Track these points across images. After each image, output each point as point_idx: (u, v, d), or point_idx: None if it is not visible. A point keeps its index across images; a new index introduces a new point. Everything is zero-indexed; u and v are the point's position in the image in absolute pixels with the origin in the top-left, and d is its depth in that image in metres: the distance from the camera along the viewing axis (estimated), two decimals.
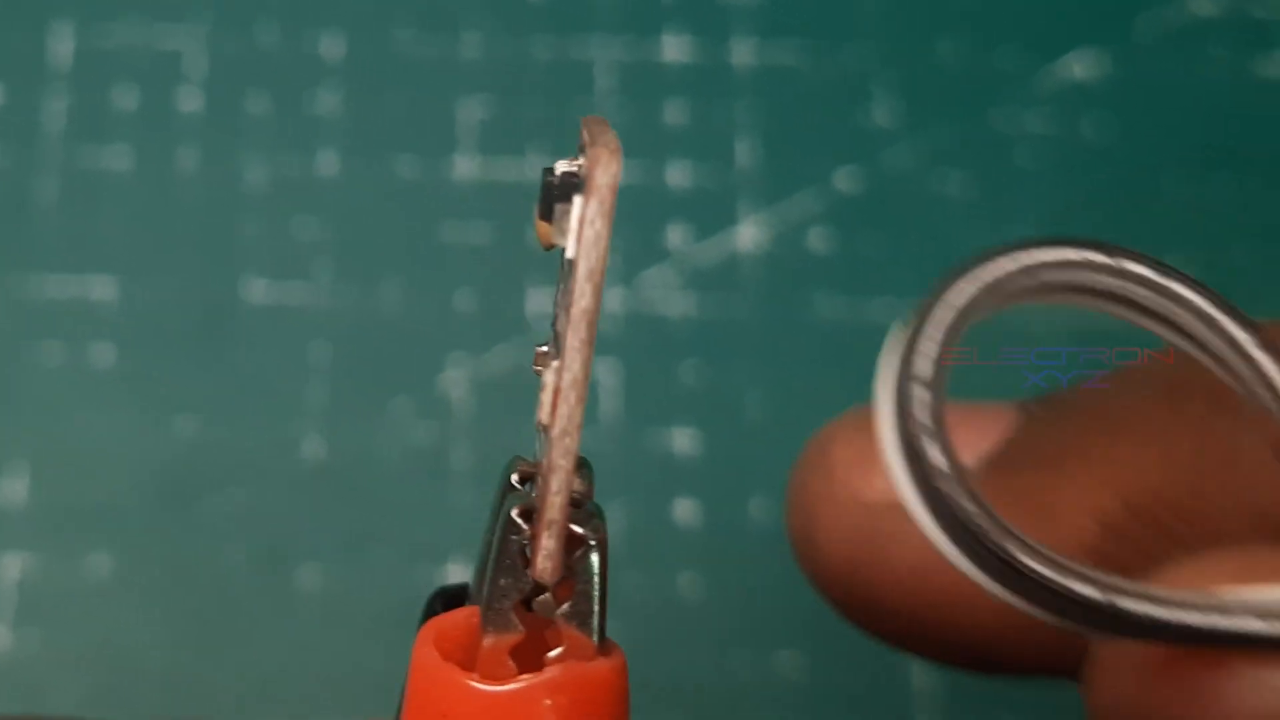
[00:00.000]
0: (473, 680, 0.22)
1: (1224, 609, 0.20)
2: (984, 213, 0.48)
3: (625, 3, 0.50)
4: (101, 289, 0.47)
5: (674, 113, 0.49)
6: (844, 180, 0.48)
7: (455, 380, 0.45)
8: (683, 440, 0.45)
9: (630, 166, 0.48)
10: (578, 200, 0.21)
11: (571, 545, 0.22)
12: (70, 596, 0.44)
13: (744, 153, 0.48)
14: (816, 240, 0.47)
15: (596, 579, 0.23)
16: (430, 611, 0.24)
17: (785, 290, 0.47)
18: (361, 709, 0.43)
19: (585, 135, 0.22)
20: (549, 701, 0.22)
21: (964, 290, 0.20)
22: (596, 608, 0.23)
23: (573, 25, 0.50)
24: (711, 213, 0.48)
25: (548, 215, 0.22)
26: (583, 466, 0.23)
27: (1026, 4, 0.51)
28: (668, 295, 0.47)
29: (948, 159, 0.48)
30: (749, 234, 0.47)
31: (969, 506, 0.20)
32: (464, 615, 0.23)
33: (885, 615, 0.27)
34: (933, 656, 0.29)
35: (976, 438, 0.24)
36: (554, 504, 0.22)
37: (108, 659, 0.43)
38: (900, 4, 0.51)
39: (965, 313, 0.20)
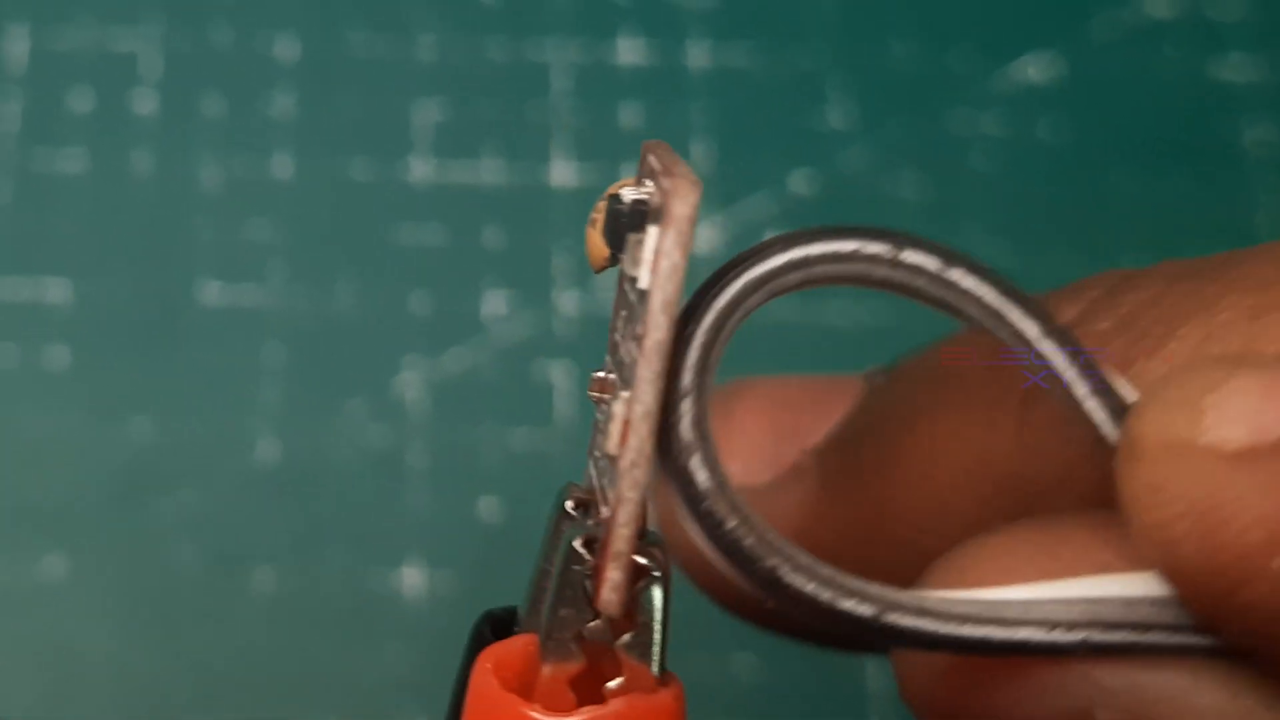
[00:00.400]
0: (535, 712, 0.22)
1: (1002, 620, 0.21)
2: (939, 214, 0.48)
3: (580, 5, 0.51)
4: (56, 291, 0.47)
5: (629, 115, 0.49)
6: (799, 182, 0.49)
7: (410, 382, 0.46)
8: None
9: (585, 169, 0.48)
10: (653, 230, 0.21)
11: (635, 576, 0.22)
12: (24, 597, 0.44)
13: (699, 155, 0.49)
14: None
15: (659, 612, 0.22)
16: (479, 635, 0.24)
17: None
18: (315, 711, 0.43)
19: (654, 162, 0.21)
20: None
21: (726, 292, 0.21)
22: (658, 639, 0.22)
23: (528, 27, 0.50)
24: None
25: (618, 244, 0.21)
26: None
27: (981, 6, 0.51)
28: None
29: (902, 161, 0.49)
30: (704, 236, 0.48)
31: (734, 525, 0.20)
32: (521, 643, 0.23)
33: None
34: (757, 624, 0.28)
35: (826, 412, 0.24)
36: (621, 536, 0.21)
37: (61, 660, 0.43)
38: (854, 6, 0.51)
39: (725, 313, 0.21)
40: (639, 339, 0.21)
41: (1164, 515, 0.20)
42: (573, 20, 0.50)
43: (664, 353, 0.20)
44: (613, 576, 0.21)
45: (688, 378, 0.21)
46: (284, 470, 0.45)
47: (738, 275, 0.21)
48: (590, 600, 0.22)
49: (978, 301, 0.21)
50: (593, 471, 0.23)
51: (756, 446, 0.20)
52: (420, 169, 0.48)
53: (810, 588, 0.20)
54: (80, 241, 0.48)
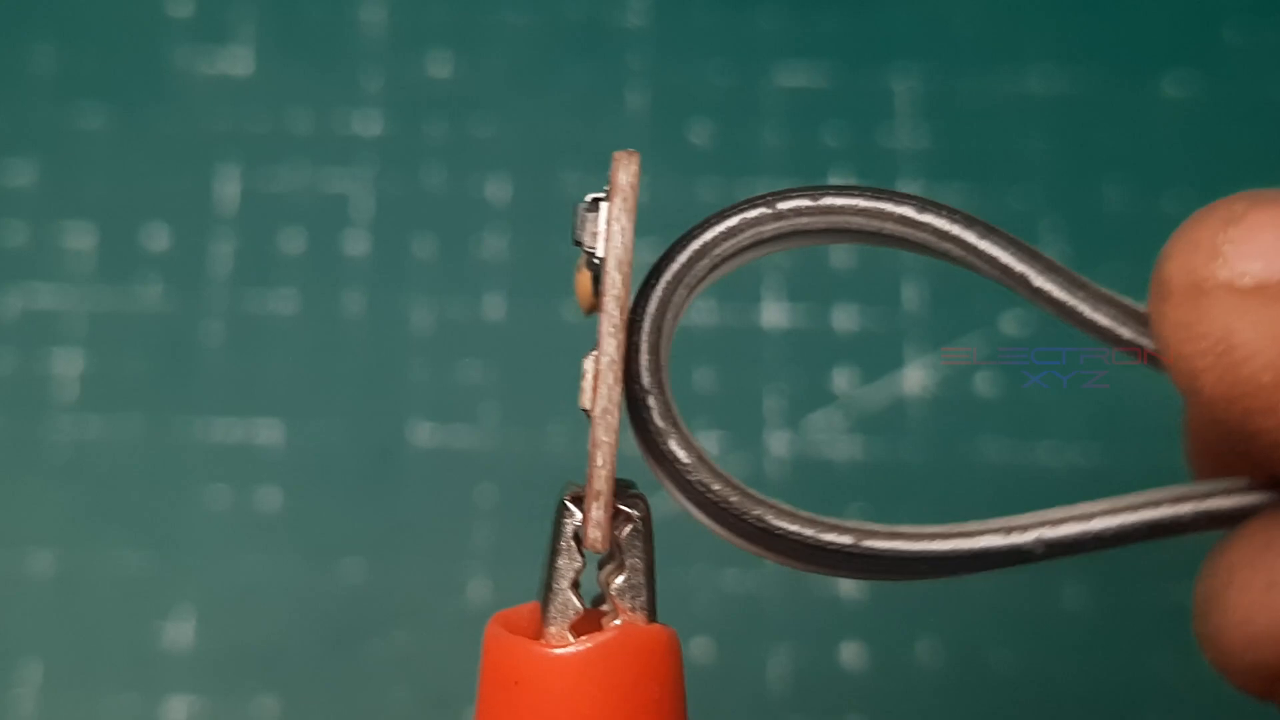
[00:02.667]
0: (539, 645, 0.26)
1: (965, 533, 0.25)
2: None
3: (791, 145, 0.53)
4: (268, 432, 0.50)
5: (840, 256, 0.51)
6: (1010, 324, 0.51)
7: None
8: (850, 583, 0.48)
9: (797, 310, 0.50)
10: (603, 204, 0.25)
11: (620, 522, 0.26)
12: None
13: (910, 296, 0.51)
14: (982, 383, 0.50)
15: (643, 553, 0.26)
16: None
17: (952, 433, 0.50)
18: None
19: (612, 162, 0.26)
20: (609, 660, 0.25)
21: (652, 300, 0.25)
22: (645, 580, 0.26)
23: (740, 168, 0.52)
24: (877, 356, 0.50)
25: (580, 235, 0.25)
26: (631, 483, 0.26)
27: (1193, 147, 0.53)
28: (834, 439, 0.49)
29: None
30: (915, 377, 0.50)
31: (719, 488, 0.25)
32: (527, 608, 0.27)
33: None
34: None
35: None
36: (600, 476, 0.25)
37: None
38: (1066, 147, 0.53)
39: (658, 317, 0.25)
40: (600, 299, 0.25)
41: (1189, 350, 0.23)
42: (784, 161, 0.53)
43: (622, 306, 0.24)
44: (595, 514, 0.25)
45: (645, 378, 0.25)
46: (495, 610, 0.47)
47: (653, 284, 0.25)
48: (581, 547, 0.26)
49: (903, 221, 0.26)
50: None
51: (1275, 240, 0.22)
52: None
53: (794, 528, 0.24)
54: (292, 383, 0.50)
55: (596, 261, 0.25)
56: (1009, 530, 0.25)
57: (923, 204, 0.26)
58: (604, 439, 0.25)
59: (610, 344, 0.25)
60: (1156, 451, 0.49)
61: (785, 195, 0.26)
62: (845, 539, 0.25)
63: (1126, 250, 0.51)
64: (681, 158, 0.53)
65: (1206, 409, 0.23)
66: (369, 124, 0.53)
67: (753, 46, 0.54)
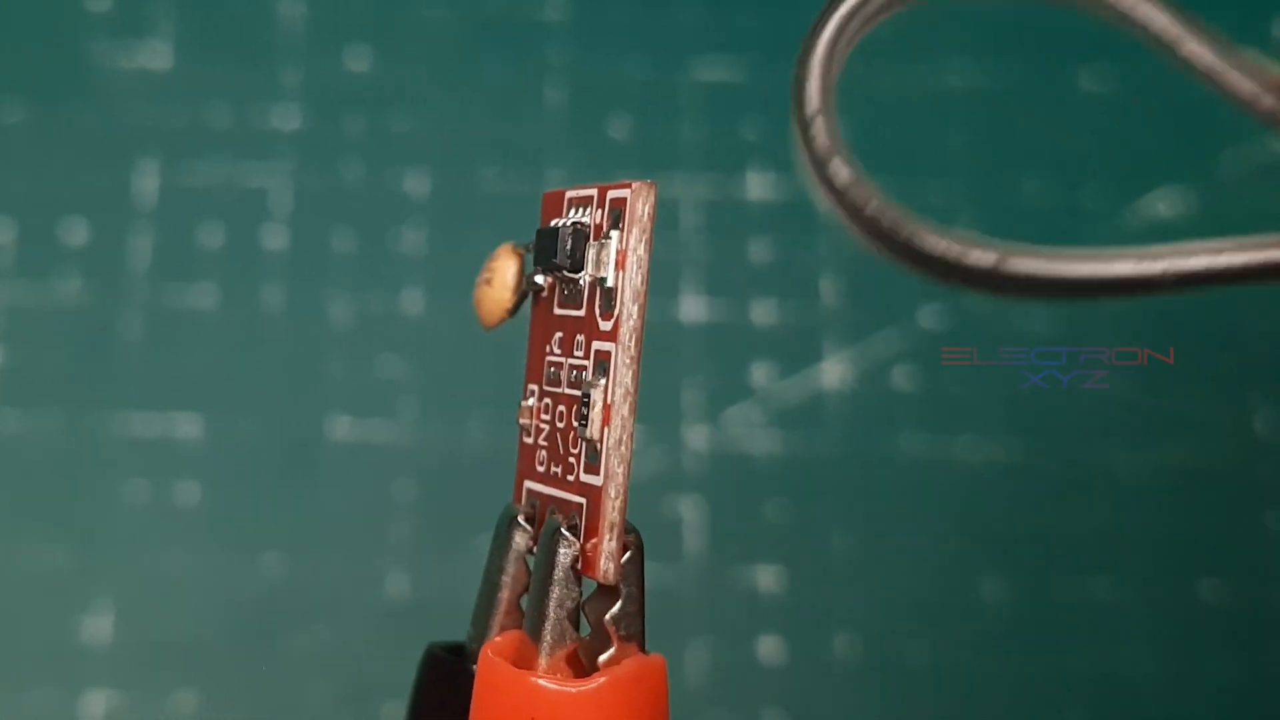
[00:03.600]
0: (549, 682, 0.25)
1: (1100, 257, 0.25)
2: (1069, 346, 0.51)
3: (709, 141, 0.54)
4: (186, 427, 0.50)
5: (759, 250, 0.52)
6: (928, 318, 0.51)
7: None
8: (767, 577, 0.49)
9: (715, 304, 0.51)
10: (615, 234, 0.26)
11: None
12: None
13: (828, 290, 0.52)
14: (901, 378, 0.51)
15: (637, 582, 0.27)
16: (433, 658, 0.29)
17: (870, 428, 0.51)
18: None
19: (594, 193, 0.26)
20: (624, 693, 0.26)
21: (828, 24, 0.26)
22: (638, 609, 0.27)
23: (657, 163, 0.53)
24: (796, 350, 0.51)
25: (578, 264, 0.26)
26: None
27: (1110, 142, 0.54)
28: (753, 433, 0.50)
29: None
30: (834, 371, 0.51)
31: (875, 205, 0.25)
32: (512, 636, 0.27)
33: None
34: None
35: None
36: (615, 507, 0.26)
37: None
38: (984, 142, 0.54)
39: (832, 43, 0.26)
40: (614, 330, 0.26)
41: None
42: (703, 154, 0.53)
43: (639, 339, 0.26)
44: (609, 546, 0.26)
45: (814, 100, 0.25)
46: (414, 606, 0.48)
47: (829, 14, 0.26)
48: (578, 577, 0.26)
49: None
50: (534, 486, 0.28)
51: None
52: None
53: (942, 246, 0.25)
54: (211, 377, 0.51)
55: (608, 288, 0.26)
56: (1141, 258, 0.25)
57: None
58: (618, 470, 0.26)
59: (626, 375, 0.26)
60: (1075, 446, 0.51)
61: None
62: (989, 258, 0.25)
63: (1045, 243, 0.52)
64: (600, 152, 0.54)
65: None
66: (288, 118, 0.54)
67: (671, 41, 0.55)
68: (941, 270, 0.25)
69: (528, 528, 0.28)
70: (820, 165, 0.25)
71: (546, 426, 0.28)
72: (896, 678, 0.48)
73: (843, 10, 0.26)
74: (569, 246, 0.26)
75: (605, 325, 0.26)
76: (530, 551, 0.28)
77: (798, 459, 0.50)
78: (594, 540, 0.26)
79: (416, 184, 0.53)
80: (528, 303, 0.29)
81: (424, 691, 0.30)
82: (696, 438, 0.50)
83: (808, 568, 0.49)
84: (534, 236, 0.29)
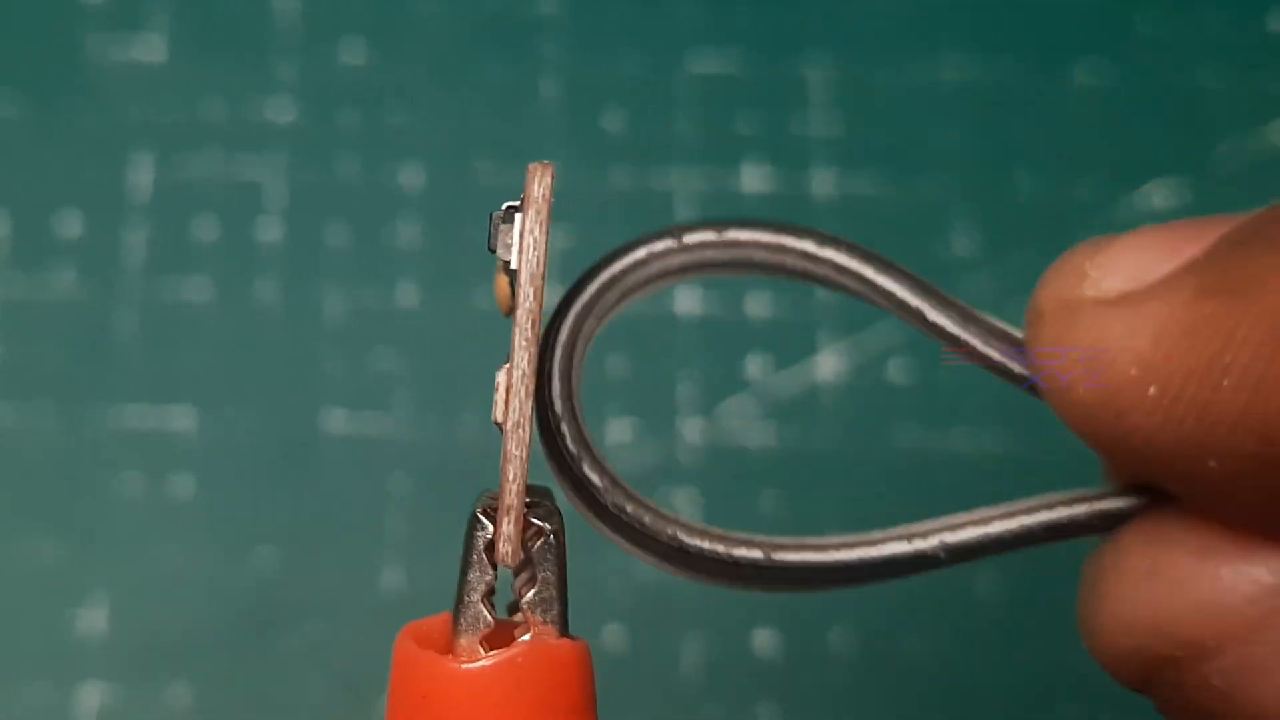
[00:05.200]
0: (446, 660, 0.26)
1: (869, 541, 0.26)
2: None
3: (704, 133, 0.54)
4: (181, 420, 0.50)
5: None
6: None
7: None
8: None
9: (710, 298, 0.51)
10: (517, 216, 0.25)
11: (532, 535, 0.26)
12: None
13: None
14: (895, 371, 0.51)
15: (556, 566, 0.26)
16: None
17: (864, 420, 0.51)
18: None
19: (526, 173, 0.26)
20: (517, 675, 0.26)
21: (560, 335, 0.26)
22: (557, 594, 0.26)
23: (652, 156, 0.53)
24: (791, 343, 0.51)
25: (494, 244, 0.26)
26: (547, 494, 0.27)
27: (1106, 135, 0.54)
28: (747, 426, 0.50)
29: (1027, 289, 0.51)
30: (828, 364, 0.51)
31: (633, 509, 0.25)
32: (440, 619, 0.27)
33: None
34: None
35: (1172, 251, 0.25)
36: (511, 490, 0.25)
37: None
38: (979, 135, 0.54)
39: (568, 350, 0.26)
40: (513, 312, 0.25)
41: (1063, 365, 0.24)
42: (697, 149, 0.54)
43: (535, 321, 0.25)
44: (506, 529, 0.26)
45: (558, 405, 0.26)
46: (409, 600, 0.48)
47: (564, 314, 0.27)
48: (492, 560, 0.26)
49: (804, 255, 0.26)
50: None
51: (1137, 258, 0.24)
52: (546, 297, 0.51)
53: (706, 545, 0.25)
54: (205, 370, 0.51)
55: (512, 271, 0.25)
56: (911, 537, 0.26)
57: (822, 239, 0.27)
58: (515, 453, 0.25)
59: (523, 357, 0.25)
60: (1068, 437, 0.51)
61: (691, 228, 0.27)
62: (755, 553, 0.25)
63: (1039, 239, 0.52)
64: (596, 146, 0.54)
65: (1081, 424, 0.25)
66: (283, 112, 0.54)
67: (667, 35, 0.55)
68: (709, 569, 0.26)
69: (485, 521, 0.27)
70: (573, 474, 0.26)
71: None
72: (891, 671, 0.48)
73: (580, 303, 0.27)
74: (489, 230, 0.26)
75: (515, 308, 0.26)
76: None
77: (792, 451, 0.50)
78: (496, 524, 0.26)
79: (411, 178, 0.53)
80: None
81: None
82: (691, 430, 0.50)
83: None
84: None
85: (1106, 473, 0.27)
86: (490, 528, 0.26)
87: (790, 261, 0.27)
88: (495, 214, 0.26)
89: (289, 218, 0.53)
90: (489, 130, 0.54)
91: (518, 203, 0.26)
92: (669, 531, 0.25)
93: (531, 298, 0.25)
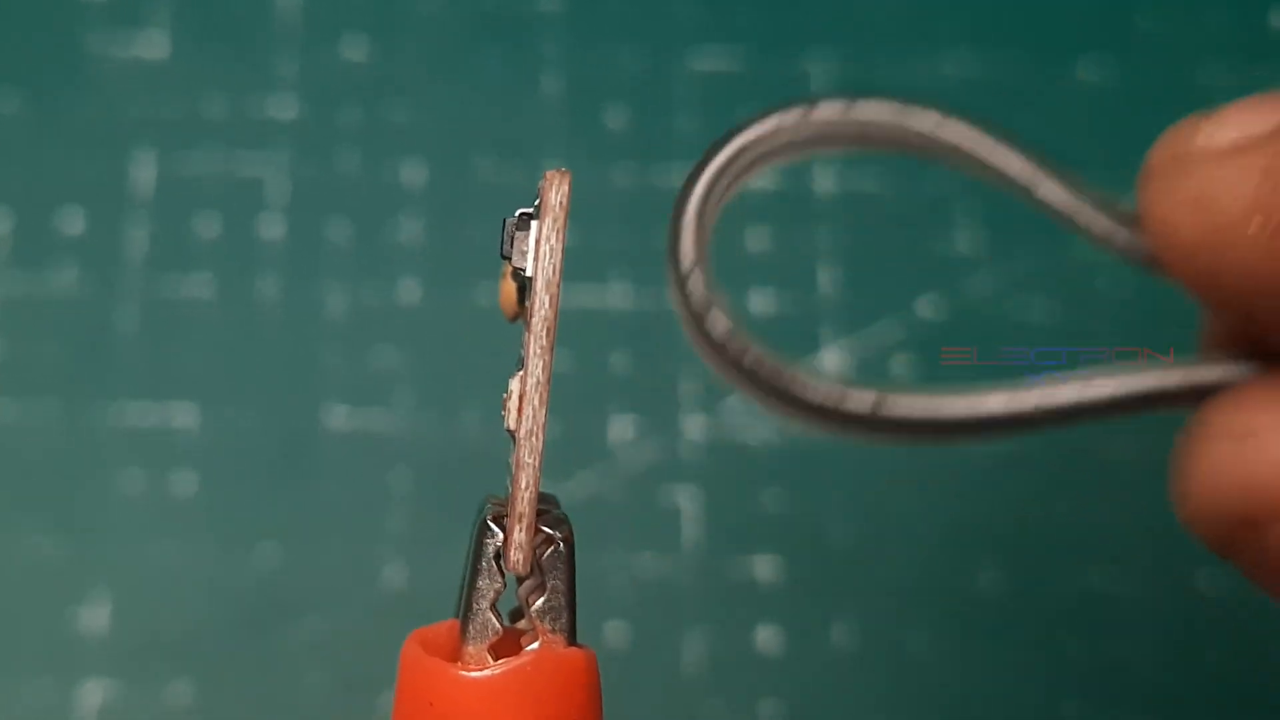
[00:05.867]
0: (454, 667, 0.26)
1: (973, 394, 0.27)
2: (1067, 339, 0.51)
3: (706, 131, 0.53)
4: (183, 416, 0.50)
5: (756, 240, 0.52)
6: (926, 307, 0.51)
7: None
8: (765, 567, 0.49)
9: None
10: (533, 223, 0.26)
11: (541, 543, 0.27)
12: None
13: (826, 280, 0.52)
14: (899, 367, 0.51)
15: (565, 575, 0.27)
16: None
17: None
18: None
19: (543, 180, 0.27)
20: (524, 684, 0.26)
21: (697, 185, 0.28)
22: (566, 603, 0.27)
23: (654, 153, 0.53)
24: (794, 339, 0.51)
25: (508, 251, 0.26)
26: (554, 501, 0.27)
27: (1108, 132, 0.54)
28: (750, 423, 0.50)
29: (1030, 286, 0.51)
30: (831, 360, 0.51)
31: (753, 355, 0.26)
32: (446, 625, 0.27)
33: None
34: None
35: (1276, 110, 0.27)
36: (523, 499, 0.26)
37: None
38: None
39: (702, 203, 0.27)
40: (528, 319, 0.26)
41: (1169, 208, 0.26)
42: (699, 146, 0.52)
43: (550, 328, 0.26)
44: (517, 537, 0.26)
45: (690, 255, 0.26)
46: (410, 596, 0.48)
47: (698, 175, 0.28)
48: (501, 568, 0.27)
49: (925, 131, 0.28)
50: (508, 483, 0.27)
51: (1246, 117, 0.25)
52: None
53: (821, 393, 0.26)
54: (207, 367, 0.51)
55: (526, 278, 0.26)
56: (1012, 393, 0.27)
57: (945, 114, 0.28)
58: (528, 460, 0.26)
59: (538, 365, 0.26)
60: (1073, 436, 0.50)
61: (822, 101, 0.28)
62: (865, 405, 0.26)
63: (1041, 235, 0.52)
64: (596, 143, 0.53)
65: (1183, 265, 0.26)
66: (284, 108, 0.54)
67: (667, 31, 0.55)
68: (821, 416, 0.26)
69: (495, 529, 0.27)
70: (698, 318, 0.26)
71: None
72: (894, 668, 0.48)
73: (713, 167, 0.28)
74: (503, 236, 0.27)
75: (528, 311, 0.26)
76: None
77: (795, 449, 0.50)
78: (507, 529, 0.26)
79: (413, 174, 0.53)
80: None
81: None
82: (694, 428, 0.50)
83: (805, 557, 0.49)
84: None
85: (1207, 342, 0.28)
86: (500, 535, 0.27)
87: (913, 138, 0.28)
88: (509, 220, 0.26)
89: (290, 214, 0.52)
90: (490, 127, 0.54)
91: (532, 209, 0.26)
92: (786, 376, 0.26)
93: (547, 306, 0.26)
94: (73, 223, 0.52)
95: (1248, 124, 0.26)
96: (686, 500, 0.49)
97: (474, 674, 0.26)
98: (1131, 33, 0.55)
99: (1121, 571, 0.49)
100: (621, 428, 0.50)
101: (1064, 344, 0.51)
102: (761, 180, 0.52)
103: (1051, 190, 0.29)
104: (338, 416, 0.50)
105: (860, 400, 0.26)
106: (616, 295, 0.51)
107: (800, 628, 0.48)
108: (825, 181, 0.53)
